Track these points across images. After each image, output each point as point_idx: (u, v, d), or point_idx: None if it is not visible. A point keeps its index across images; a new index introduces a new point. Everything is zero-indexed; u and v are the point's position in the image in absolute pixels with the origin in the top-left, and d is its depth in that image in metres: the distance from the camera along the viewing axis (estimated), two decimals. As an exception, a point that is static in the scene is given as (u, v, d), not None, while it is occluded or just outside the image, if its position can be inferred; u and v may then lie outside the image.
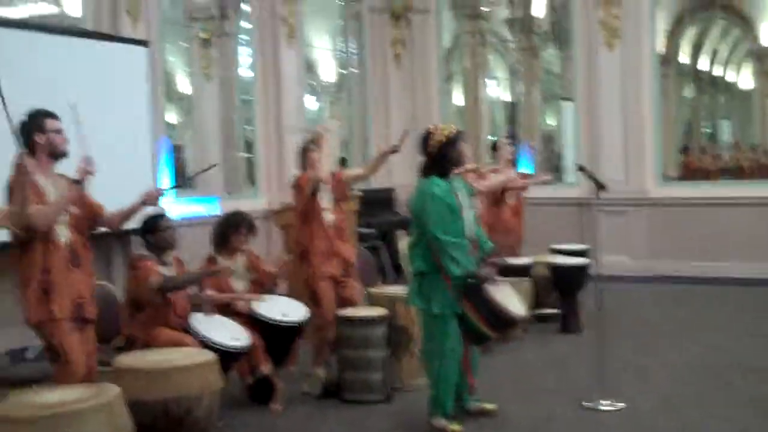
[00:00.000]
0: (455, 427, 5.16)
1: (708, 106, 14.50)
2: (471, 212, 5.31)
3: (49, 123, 4.59)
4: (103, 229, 5.05)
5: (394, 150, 6.31)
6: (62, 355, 4.46)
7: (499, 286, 5.21)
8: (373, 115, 12.57)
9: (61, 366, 4.45)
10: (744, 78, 13.96)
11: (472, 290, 5.08)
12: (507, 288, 5.30)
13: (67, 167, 4.65)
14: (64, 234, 4.57)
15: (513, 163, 8.77)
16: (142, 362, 4.44)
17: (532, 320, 8.06)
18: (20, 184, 4.35)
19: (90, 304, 4.70)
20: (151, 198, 4.93)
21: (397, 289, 6.61)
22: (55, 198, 4.53)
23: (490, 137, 12.82)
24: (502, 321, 5.13)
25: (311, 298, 6.21)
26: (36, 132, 4.55)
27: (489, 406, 5.50)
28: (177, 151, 10.22)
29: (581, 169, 6.28)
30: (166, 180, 8.63)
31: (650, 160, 11.47)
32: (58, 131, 4.61)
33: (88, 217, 4.78)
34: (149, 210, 5.71)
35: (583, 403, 5.66)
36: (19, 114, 4.53)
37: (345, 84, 12.73)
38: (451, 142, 5.24)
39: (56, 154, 4.61)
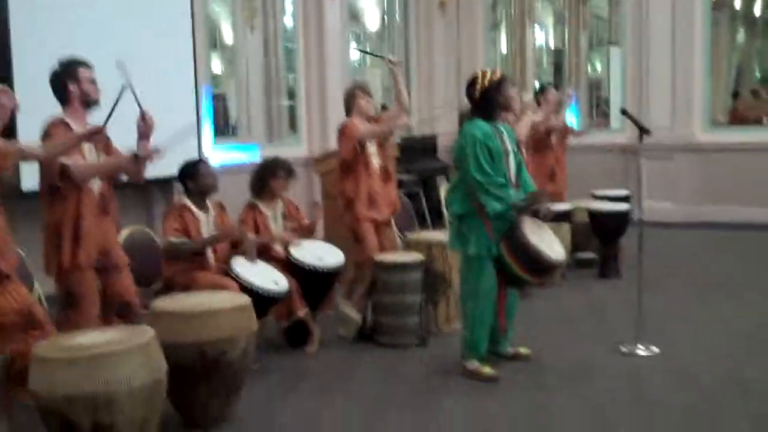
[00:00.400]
0: (488, 370, 5.19)
1: (760, 51, 14.14)
2: (516, 157, 5.27)
3: (83, 72, 4.62)
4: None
5: (394, 63, 6.32)
6: (79, 303, 4.55)
7: (537, 230, 5.18)
8: (417, 64, 12.48)
9: (75, 314, 4.53)
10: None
11: (510, 233, 5.07)
12: (547, 232, 5.26)
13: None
14: (96, 182, 4.63)
15: (558, 109, 8.66)
16: (178, 305, 4.50)
17: (570, 265, 8.05)
18: (62, 134, 4.42)
19: (118, 250, 4.80)
20: (146, 152, 4.69)
21: (435, 235, 6.63)
22: (106, 161, 4.63)
23: (536, 84, 12.67)
24: (539, 265, 5.11)
25: (355, 239, 6.25)
26: (70, 81, 4.58)
27: (524, 350, 5.52)
28: (219, 99, 10.27)
29: (624, 112, 6.18)
30: (207, 129, 8.71)
31: (698, 105, 11.29)
32: (92, 81, 4.64)
33: None
34: (187, 155, 5.80)
35: (621, 348, 5.65)
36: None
37: (389, 33, 12.63)
38: (496, 86, 5.21)
39: (89, 103, 4.65)
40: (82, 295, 4.57)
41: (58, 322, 4.55)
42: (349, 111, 6.34)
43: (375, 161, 6.27)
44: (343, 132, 6.24)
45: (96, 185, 4.63)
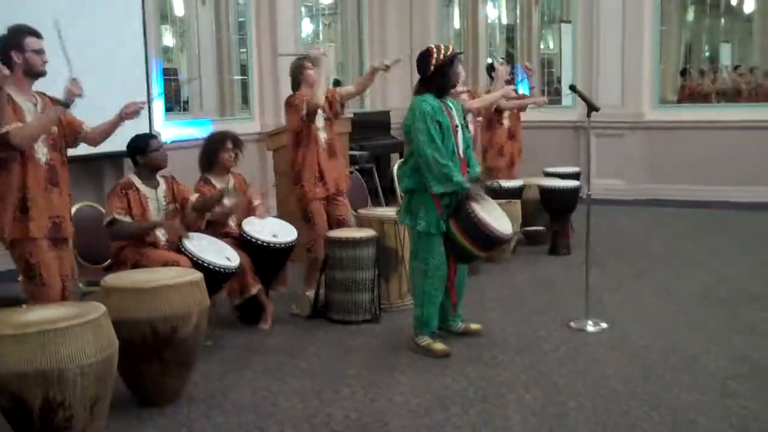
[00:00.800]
0: (439, 346, 5.25)
1: (709, 29, 14.32)
2: (463, 133, 5.31)
3: (29, 42, 4.51)
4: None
5: (385, 68, 6.28)
6: (38, 273, 4.51)
7: (485, 205, 5.24)
8: (369, 38, 12.46)
9: (37, 285, 4.50)
10: (746, 1, 13.78)
11: (459, 209, 5.13)
12: (494, 207, 5.32)
13: (54, 88, 4.63)
14: (42, 152, 4.56)
15: (509, 83, 8.72)
16: (129, 281, 4.47)
17: (521, 241, 8.15)
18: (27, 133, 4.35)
19: (67, 223, 4.72)
20: (132, 110, 4.84)
21: (387, 211, 6.66)
22: (36, 117, 4.50)
23: (488, 60, 12.71)
24: (488, 240, 5.17)
25: (303, 218, 6.25)
26: (14, 50, 4.48)
27: (474, 326, 5.59)
28: (170, 73, 10.16)
29: (573, 89, 6.24)
30: (158, 103, 8.62)
31: (648, 83, 11.44)
32: (38, 51, 4.53)
33: (68, 134, 4.77)
34: (138, 130, 5.74)
35: (570, 324, 5.75)
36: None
37: (341, 6, 12.58)
38: (450, 62, 5.23)
39: (33, 73, 4.55)
40: (41, 266, 4.52)
41: (25, 292, 4.55)
42: (296, 85, 6.30)
43: (322, 136, 6.25)
44: (290, 104, 6.21)
45: (43, 155, 4.55)
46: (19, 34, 4.52)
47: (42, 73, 4.58)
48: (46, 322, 3.67)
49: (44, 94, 4.66)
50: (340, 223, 6.32)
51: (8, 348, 3.56)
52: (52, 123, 4.55)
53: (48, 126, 4.53)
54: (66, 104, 4.52)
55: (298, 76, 6.31)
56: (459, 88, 7.77)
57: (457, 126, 5.28)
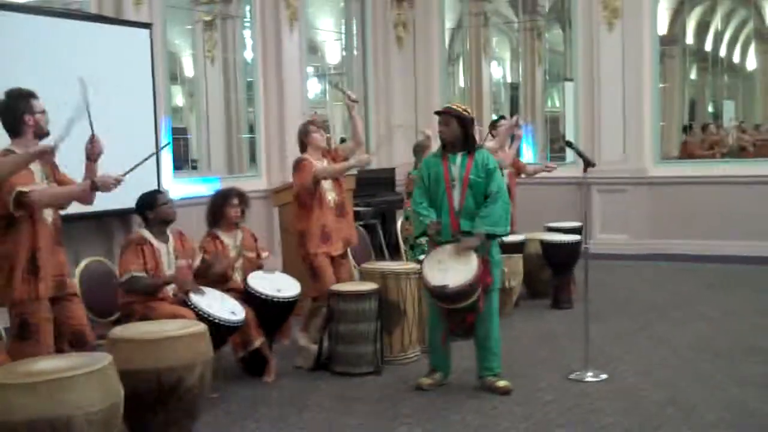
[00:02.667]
0: (422, 380, 5.64)
1: (712, 86, 14.54)
2: (472, 187, 5.50)
3: (36, 104, 4.62)
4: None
5: (353, 101, 6.54)
6: (35, 334, 4.53)
7: (453, 256, 5.42)
8: (375, 97, 12.69)
9: (31, 344, 4.50)
10: (748, 58, 14.01)
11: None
12: (461, 261, 5.40)
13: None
14: (48, 213, 4.65)
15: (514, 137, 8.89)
16: (135, 333, 4.59)
17: (523, 296, 8.25)
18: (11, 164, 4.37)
19: (67, 279, 4.81)
20: (105, 185, 4.65)
21: (389, 265, 6.77)
22: (65, 188, 4.64)
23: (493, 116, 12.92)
24: (427, 290, 5.48)
25: (310, 275, 6.34)
26: (26, 114, 4.57)
27: (501, 383, 5.56)
28: (180, 132, 10.38)
29: (569, 144, 6.40)
30: (167, 161, 8.82)
31: (649, 139, 11.60)
32: (43, 112, 4.65)
33: None
34: (146, 188, 5.89)
35: (570, 376, 5.82)
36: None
37: (347, 66, 12.84)
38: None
39: (41, 134, 4.65)
40: (39, 326, 4.56)
41: (12, 352, 4.54)
42: (303, 147, 6.45)
43: (330, 196, 6.38)
44: (297, 168, 6.33)
45: (49, 215, 4.65)
46: (26, 97, 4.61)
47: (48, 134, 4.66)
48: (54, 372, 3.78)
49: (55, 164, 4.76)
50: (344, 281, 6.42)
51: (18, 397, 3.67)
52: (72, 197, 4.68)
53: (67, 200, 4.66)
54: (96, 187, 4.59)
55: (304, 139, 6.45)
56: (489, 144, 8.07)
57: (453, 181, 5.46)
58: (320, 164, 6.30)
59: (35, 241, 4.55)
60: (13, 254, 4.52)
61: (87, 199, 4.74)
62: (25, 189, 4.43)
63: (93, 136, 4.65)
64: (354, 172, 9.00)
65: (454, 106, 5.68)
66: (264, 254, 6.32)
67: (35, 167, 4.62)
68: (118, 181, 4.61)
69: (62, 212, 4.84)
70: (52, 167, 4.77)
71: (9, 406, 3.66)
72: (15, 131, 4.58)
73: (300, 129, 6.57)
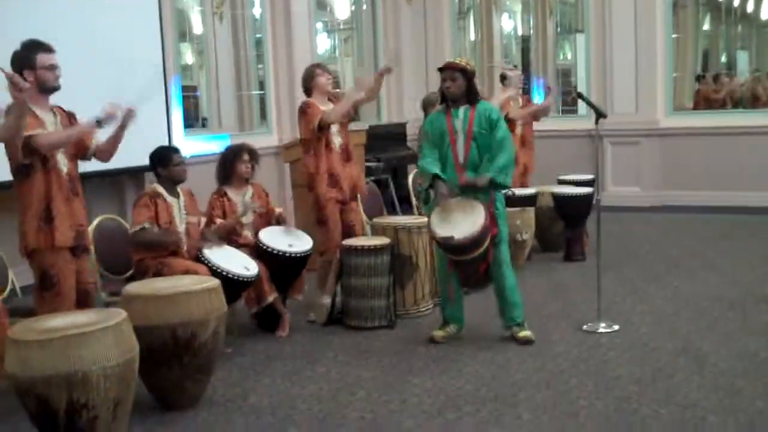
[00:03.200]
0: (435, 332, 5.69)
1: (725, 37, 14.36)
2: (476, 140, 5.50)
3: (41, 58, 4.58)
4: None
5: (388, 70, 6.44)
6: (56, 284, 4.61)
7: (461, 207, 5.43)
8: (385, 52, 12.60)
9: (51, 294, 4.60)
10: (763, 8, 13.81)
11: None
12: (465, 211, 5.42)
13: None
14: (64, 162, 4.68)
15: (522, 91, 8.86)
16: (149, 289, 4.62)
17: (536, 248, 8.26)
18: (19, 108, 4.31)
19: (87, 231, 4.88)
20: (129, 116, 4.80)
21: (401, 219, 6.78)
22: (68, 128, 4.63)
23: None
24: (437, 242, 5.49)
25: (317, 220, 6.36)
26: (25, 68, 4.54)
27: (522, 333, 5.62)
28: (190, 90, 10.35)
29: (579, 96, 6.35)
30: (177, 120, 8.81)
31: (661, 91, 11.51)
32: (51, 67, 4.61)
33: (80, 148, 4.86)
34: (158, 144, 5.90)
35: (583, 327, 5.84)
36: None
37: (357, 21, 12.74)
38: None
39: (46, 90, 4.65)
40: (59, 276, 4.63)
41: (37, 303, 4.64)
42: (308, 91, 6.41)
43: (336, 140, 6.35)
44: (303, 112, 6.31)
45: (64, 165, 4.68)
46: (30, 51, 4.58)
47: (56, 88, 4.67)
48: (69, 328, 3.82)
49: (60, 108, 4.79)
50: (350, 229, 6.44)
51: (34, 353, 3.72)
52: (77, 135, 4.67)
53: (72, 137, 4.64)
54: (99, 122, 4.62)
55: (309, 83, 6.40)
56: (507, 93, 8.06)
57: (456, 134, 5.48)
58: (328, 109, 6.26)
59: (49, 190, 4.59)
60: (29, 205, 4.57)
61: (85, 131, 4.71)
62: (31, 132, 4.45)
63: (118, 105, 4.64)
64: (365, 126, 9.01)
65: (457, 60, 5.67)
66: (278, 209, 6.33)
67: (46, 116, 4.65)
68: (118, 113, 4.67)
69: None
70: (73, 120, 4.78)
71: (26, 362, 3.72)
72: None
73: (305, 73, 6.51)
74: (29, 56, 4.59)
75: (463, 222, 5.34)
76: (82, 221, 4.82)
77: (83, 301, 4.78)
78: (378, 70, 6.53)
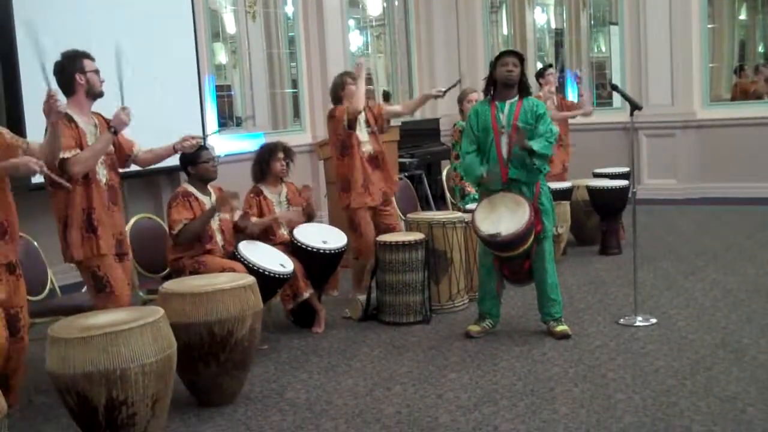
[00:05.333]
0: (471, 327, 5.69)
1: (762, 27, 14.16)
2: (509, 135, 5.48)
3: (88, 64, 4.72)
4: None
5: (437, 95, 6.44)
6: (109, 286, 4.68)
7: (502, 203, 5.42)
8: (417, 48, 12.61)
9: (107, 296, 4.66)
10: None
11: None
12: (508, 207, 5.40)
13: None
14: (103, 173, 4.74)
15: (558, 89, 8.82)
16: (186, 287, 4.65)
17: (571, 242, 8.22)
18: (64, 128, 4.46)
19: (126, 238, 4.96)
20: (188, 144, 5.01)
21: (435, 214, 6.78)
22: (91, 146, 4.66)
23: (539, 64, 12.76)
24: (482, 239, 5.47)
25: (350, 227, 6.40)
26: (77, 73, 4.68)
27: (559, 328, 5.59)
28: (224, 89, 10.42)
29: (614, 88, 6.30)
30: (211, 119, 8.87)
31: (698, 82, 11.38)
32: (96, 72, 4.75)
33: (120, 156, 4.95)
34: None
35: (619, 321, 5.80)
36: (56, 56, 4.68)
37: (389, 17, 12.74)
38: (492, 65, 5.58)
39: (94, 94, 4.75)
40: (108, 276, 4.69)
41: (96, 305, 4.70)
42: (337, 100, 6.43)
43: (365, 148, 6.39)
44: (332, 115, 6.35)
45: (103, 176, 4.74)
46: (79, 57, 4.71)
47: (101, 94, 4.78)
48: (108, 325, 3.87)
49: (100, 115, 4.85)
50: (391, 232, 6.45)
51: (75, 350, 3.77)
52: (104, 150, 4.71)
53: (100, 153, 4.69)
54: (114, 131, 4.70)
55: (339, 93, 6.43)
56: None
57: (501, 128, 5.43)
58: (357, 130, 6.27)
59: (90, 201, 4.65)
60: (67, 215, 4.63)
61: (110, 142, 4.75)
62: (66, 155, 4.51)
63: (123, 107, 4.66)
64: (398, 122, 9.01)
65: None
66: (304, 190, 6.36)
67: (88, 128, 4.72)
68: (123, 109, 4.70)
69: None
70: (108, 127, 4.83)
71: (66, 358, 3.77)
72: (69, 90, 4.69)
73: (335, 81, 6.54)
74: (79, 61, 4.70)
75: (508, 218, 5.33)
76: (122, 229, 4.91)
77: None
78: (430, 92, 6.52)
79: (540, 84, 8.85)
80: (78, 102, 4.71)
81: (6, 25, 6.89)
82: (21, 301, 4.29)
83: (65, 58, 4.71)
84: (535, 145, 5.35)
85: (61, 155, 4.49)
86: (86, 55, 4.75)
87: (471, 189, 7.35)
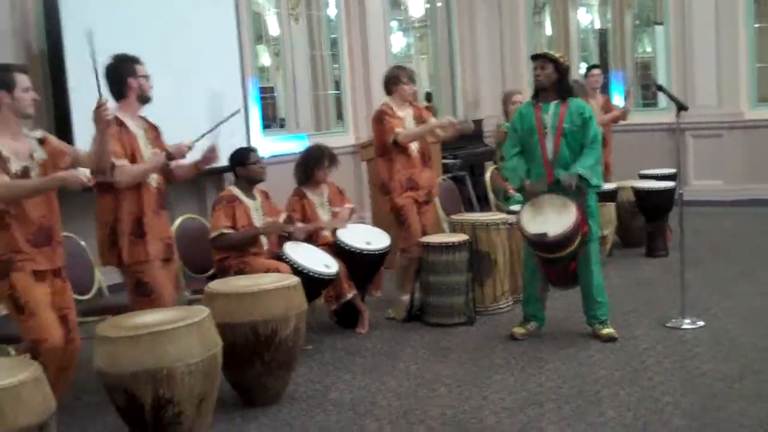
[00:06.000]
0: (516, 329, 5.66)
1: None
2: (567, 136, 5.44)
3: (139, 68, 4.73)
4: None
5: (466, 126, 6.44)
6: (152, 291, 4.67)
7: (549, 204, 5.39)
8: (460, 49, 12.57)
9: (149, 300, 4.65)
10: None
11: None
12: (556, 207, 5.36)
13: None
14: (153, 177, 4.75)
15: (602, 90, 8.75)
16: (231, 287, 4.69)
17: (617, 244, 8.14)
18: (114, 132, 4.49)
19: (173, 242, 4.98)
20: (209, 160, 4.90)
21: (479, 216, 6.75)
22: (144, 165, 4.65)
23: (583, 65, 12.68)
24: (529, 241, 5.43)
25: (397, 221, 6.34)
26: (129, 76, 4.68)
27: (605, 331, 5.54)
28: (267, 91, 10.48)
29: (660, 88, 6.24)
30: (255, 121, 8.93)
31: (744, 81, 11.20)
32: (146, 76, 4.75)
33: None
34: (237, 145, 5.98)
35: (666, 324, 5.73)
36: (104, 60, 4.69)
37: (431, 19, 12.72)
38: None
39: (145, 98, 4.76)
40: (153, 283, 4.69)
41: (135, 307, 4.69)
42: (389, 92, 6.38)
43: (414, 146, 6.33)
44: (380, 120, 6.27)
45: (154, 180, 4.75)
46: (130, 60, 4.71)
47: (150, 99, 4.79)
48: (155, 325, 3.90)
49: (147, 120, 4.88)
50: (430, 229, 6.43)
51: (122, 349, 3.81)
52: (154, 170, 4.73)
53: (150, 172, 4.69)
54: (170, 157, 4.71)
55: (391, 86, 6.36)
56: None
57: (545, 130, 5.40)
58: (402, 127, 6.21)
59: (141, 205, 4.65)
60: (116, 219, 4.63)
61: (165, 170, 4.79)
62: (115, 161, 4.50)
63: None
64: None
65: (551, 52, 5.63)
66: (348, 206, 6.34)
67: (139, 132, 4.73)
68: (189, 148, 4.74)
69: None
70: (157, 134, 4.86)
71: (114, 358, 3.81)
72: (120, 94, 4.70)
73: (390, 73, 6.45)
74: (131, 64, 4.70)
75: (555, 219, 5.29)
76: (170, 233, 4.95)
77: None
78: (457, 121, 6.47)
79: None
80: (129, 105, 4.72)
81: (55, 31, 6.97)
82: (69, 302, 4.33)
83: (118, 61, 4.71)
84: (583, 172, 5.37)
85: (113, 160, 4.48)
86: (137, 60, 4.76)
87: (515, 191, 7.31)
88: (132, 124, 4.72)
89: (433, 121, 6.45)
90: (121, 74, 4.69)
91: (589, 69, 9.06)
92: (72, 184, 3.98)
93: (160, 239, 4.77)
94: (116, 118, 4.58)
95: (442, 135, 6.59)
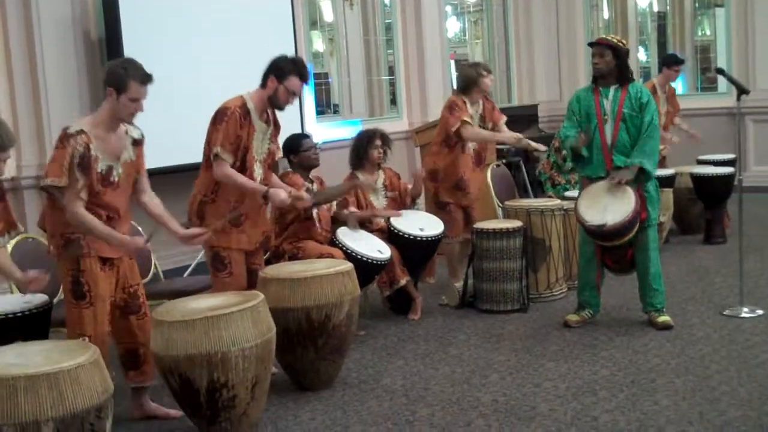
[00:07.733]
0: (570, 316, 5.62)
1: None
2: (626, 123, 5.37)
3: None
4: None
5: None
6: (228, 265, 4.71)
7: (606, 191, 5.32)
8: (515, 34, 12.46)
9: (225, 275, 4.70)
10: None
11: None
12: (615, 195, 5.29)
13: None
14: (259, 172, 4.75)
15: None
16: (285, 272, 4.72)
17: (674, 231, 8.03)
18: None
19: (272, 236, 5.13)
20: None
21: (533, 202, 6.71)
22: (247, 182, 4.65)
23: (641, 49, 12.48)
24: (587, 230, 5.36)
25: (436, 206, 6.38)
26: (283, 82, 4.66)
27: (661, 318, 5.48)
28: (321, 77, 10.52)
29: (720, 72, 6.12)
30: (309, 107, 8.96)
31: (808, 64, 10.94)
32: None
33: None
34: (291, 132, 6.01)
35: (724, 312, 5.64)
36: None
37: (486, 3, 12.63)
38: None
39: (278, 105, 4.74)
40: (230, 258, 4.72)
41: (213, 285, 4.82)
42: (467, 89, 6.28)
43: (471, 144, 6.33)
44: (453, 109, 6.20)
45: (259, 175, 4.73)
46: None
47: (281, 107, 4.78)
48: (210, 309, 3.96)
49: (276, 119, 4.87)
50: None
51: (178, 333, 3.87)
52: (249, 193, 4.70)
53: (245, 190, 4.68)
54: (265, 198, 4.72)
55: (470, 84, 6.26)
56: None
57: (605, 115, 5.34)
58: (472, 127, 6.19)
59: (242, 197, 4.68)
60: (221, 204, 4.68)
61: (256, 200, 4.79)
62: (221, 153, 4.53)
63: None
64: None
65: (609, 37, 5.54)
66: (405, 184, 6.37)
67: (259, 125, 4.70)
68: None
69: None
70: (276, 131, 4.90)
71: (169, 341, 3.87)
72: (263, 82, 4.72)
73: (468, 73, 6.34)
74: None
75: (613, 207, 5.23)
76: (269, 226, 5.07)
77: (251, 282, 4.86)
78: (526, 142, 6.42)
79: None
80: (261, 99, 4.68)
81: (113, 20, 7.07)
82: (137, 279, 4.40)
83: (283, 61, 4.75)
84: (643, 162, 5.29)
85: (217, 149, 4.53)
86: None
87: (561, 179, 7.27)
88: (255, 117, 4.67)
89: (506, 135, 6.42)
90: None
91: (675, 63, 8.71)
92: (130, 254, 4.28)
93: (262, 232, 4.89)
94: (244, 107, 4.61)
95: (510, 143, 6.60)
